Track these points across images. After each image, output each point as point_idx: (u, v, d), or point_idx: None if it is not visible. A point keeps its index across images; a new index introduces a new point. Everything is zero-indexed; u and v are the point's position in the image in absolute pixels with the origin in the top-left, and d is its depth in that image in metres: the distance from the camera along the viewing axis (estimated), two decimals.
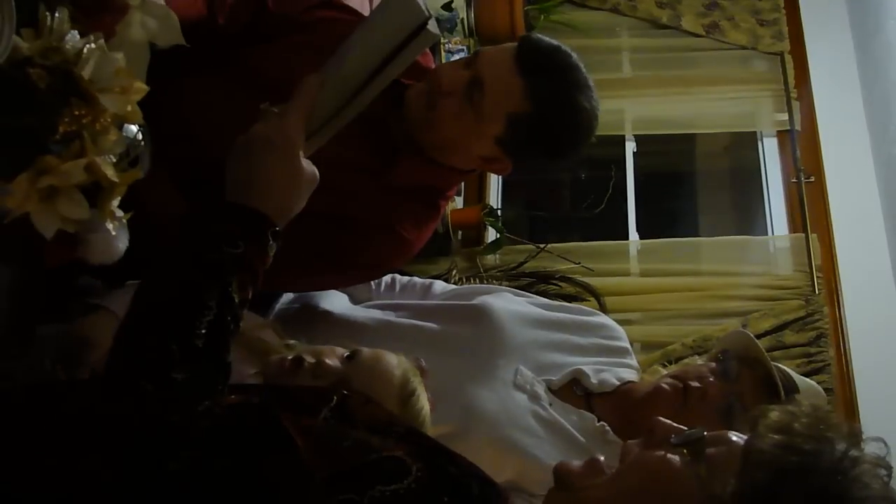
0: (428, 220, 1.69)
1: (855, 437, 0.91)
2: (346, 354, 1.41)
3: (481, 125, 1.53)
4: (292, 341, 1.53)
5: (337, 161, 1.22)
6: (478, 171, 1.73)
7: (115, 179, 1.04)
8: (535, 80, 1.51)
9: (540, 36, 1.57)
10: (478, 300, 1.79)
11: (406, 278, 1.97)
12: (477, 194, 3.60)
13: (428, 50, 1.33)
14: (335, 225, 1.54)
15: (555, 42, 1.56)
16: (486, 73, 1.51)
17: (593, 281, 3.26)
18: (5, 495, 0.99)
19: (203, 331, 0.97)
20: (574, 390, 1.70)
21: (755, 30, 3.85)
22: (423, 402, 1.39)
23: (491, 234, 3.49)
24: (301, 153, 1.11)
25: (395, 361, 1.41)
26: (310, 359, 1.39)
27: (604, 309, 3.12)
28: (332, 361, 1.39)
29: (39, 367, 1.39)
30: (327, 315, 1.76)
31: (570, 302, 3.15)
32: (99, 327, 1.43)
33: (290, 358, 1.40)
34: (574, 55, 1.57)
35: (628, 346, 1.87)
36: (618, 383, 1.71)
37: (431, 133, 1.56)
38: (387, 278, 1.95)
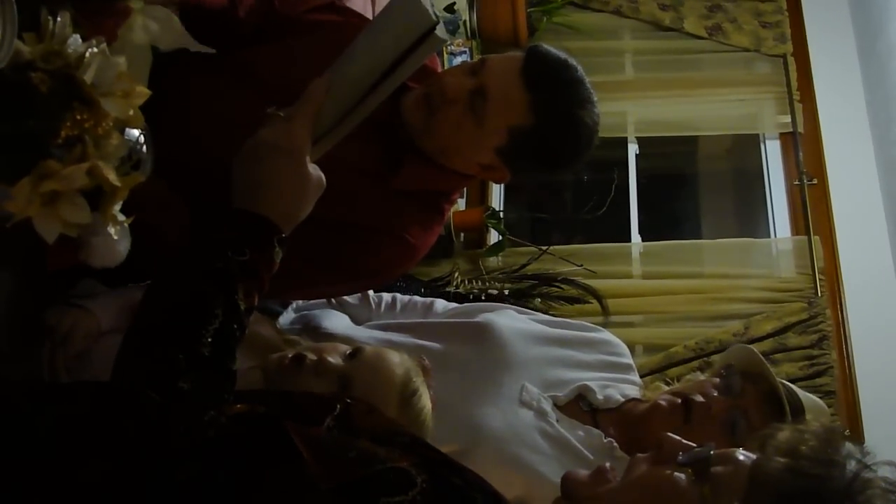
0: (433, 224, 1.68)
1: (866, 459, 0.90)
2: (348, 352, 1.40)
3: (482, 135, 1.51)
4: (292, 337, 1.53)
5: (344, 165, 1.22)
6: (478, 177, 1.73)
7: (117, 183, 1.04)
8: (539, 95, 1.49)
9: (548, 48, 1.55)
10: (480, 318, 1.79)
11: (406, 297, 1.97)
12: (479, 196, 3.60)
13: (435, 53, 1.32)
14: (341, 232, 1.54)
15: (562, 55, 1.54)
16: (491, 83, 1.49)
17: (595, 283, 3.26)
18: (6, 502, 0.99)
19: (209, 339, 0.97)
20: (580, 406, 1.70)
21: (758, 32, 3.84)
22: (425, 401, 1.38)
23: (493, 237, 3.49)
24: (308, 158, 1.11)
25: (398, 360, 1.40)
26: (311, 356, 1.38)
27: (606, 311, 3.12)
28: (333, 359, 1.38)
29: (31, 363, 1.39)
30: (329, 336, 1.75)
31: (572, 304, 3.17)
32: (69, 321, 1.42)
33: (291, 356, 1.39)
34: (580, 69, 1.55)
35: (631, 362, 1.87)
36: (622, 399, 1.71)
37: (431, 139, 1.55)
38: (387, 298, 1.94)
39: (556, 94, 1.50)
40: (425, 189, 1.63)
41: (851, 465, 0.89)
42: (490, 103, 1.49)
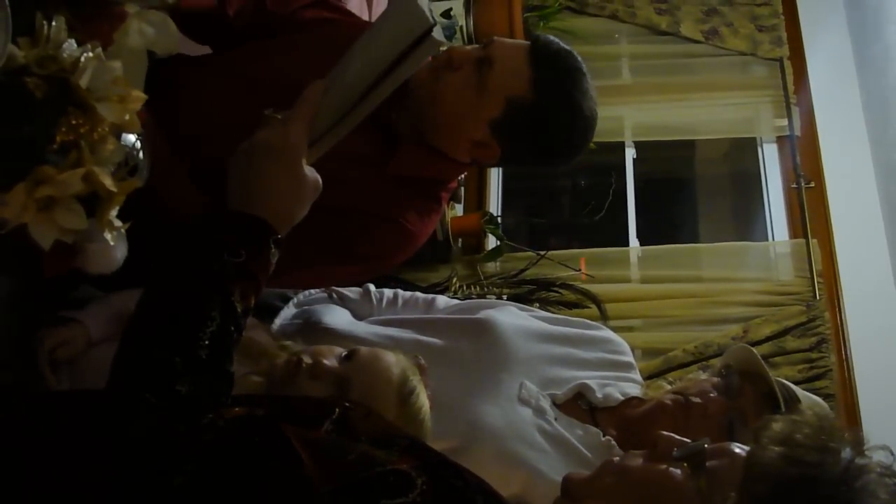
0: (430, 211, 1.68)
1: (860, 445, 0.90)
2: (343, 354, 1.40)
3: (481, 102, 1.54)
4: (287, 342, 1.52)
5: (339, 153, 1.22)
6: (473, 162, 1.73)
7: (113, 189, 1.03)
8: (542, 73, 1.53)
9: (557, 39, 1.60)
10: (481, 314, 1.78)
11: (408, 294, 1.96)
12: (477, 202, 3.60)
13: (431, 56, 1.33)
14: (339, 218, 1.54)
15: (569, 47, 1.60)
16: (499, 54, 1.54)
17: (594, 288, 3.25)
18: None
19: (206, 342, 0.96)
20: (579, 404, 1.69)
21: (754, 36, 3.85)
22: (423, 399, 1.38)
23: (491, 242, 3.49)
24: (304, 160, 1.11)
25: (394, 359, 1.40)
26: (307, 359, 1.37)
27: (605, 316, 3.12)
28: (329, 361, 1.37)
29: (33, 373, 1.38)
30: (329, 331, 1.75)
31: (570, 309, 3.16)
32: (63, 339, 1.42)
33: (288, 360, 1.39)
34: (584, 65, 1.59)
35: (633, 360, 1.86)
36: (622, 398, 1.70)
37: (433, 108, 1.57)
38: (388, 293, 1.94)
39: (558, 75, 1.55)
40: (421, 175, 1.63)
41: (846, 452, 0.89)
42: (495, 70, 1.53)
